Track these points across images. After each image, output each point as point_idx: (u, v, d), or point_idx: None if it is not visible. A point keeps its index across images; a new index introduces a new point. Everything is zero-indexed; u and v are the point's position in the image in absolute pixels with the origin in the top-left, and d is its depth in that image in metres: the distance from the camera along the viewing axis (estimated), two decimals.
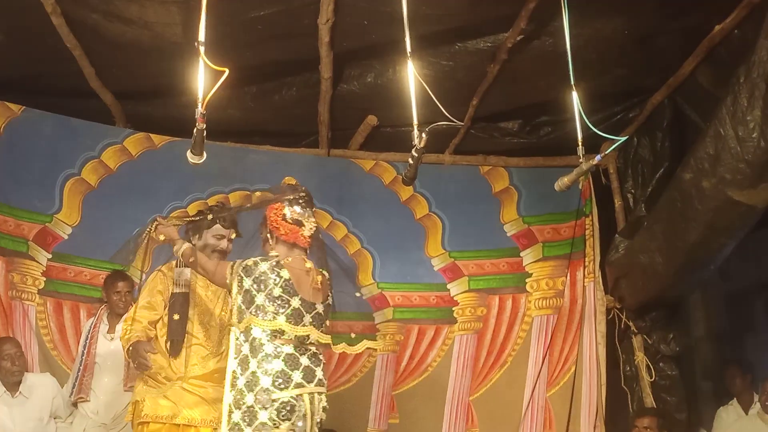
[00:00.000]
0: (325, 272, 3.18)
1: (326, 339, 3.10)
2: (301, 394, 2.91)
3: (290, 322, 2.96)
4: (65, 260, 4.74)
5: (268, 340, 2.92)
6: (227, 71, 2.28)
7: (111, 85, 4.60)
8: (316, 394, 2.96)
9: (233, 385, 2.90)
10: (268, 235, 3.14)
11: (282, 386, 2.88)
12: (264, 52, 4.21)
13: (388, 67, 4.50)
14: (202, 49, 2.33)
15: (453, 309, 5.21)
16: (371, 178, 5.28)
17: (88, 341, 4.36)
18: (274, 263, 3.01)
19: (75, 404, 4.30)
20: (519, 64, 4.32)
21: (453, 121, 2.66)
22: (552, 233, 5.28)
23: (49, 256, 4.71)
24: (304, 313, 3.00)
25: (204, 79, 2.42)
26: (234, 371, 2.92)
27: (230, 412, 2.88)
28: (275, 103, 4.79)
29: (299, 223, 3.10)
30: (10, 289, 4.61)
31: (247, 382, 2.88)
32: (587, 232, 5.27)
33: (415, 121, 2.69)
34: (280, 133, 5.25)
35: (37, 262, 4.67)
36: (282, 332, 2.94)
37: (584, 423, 5.01)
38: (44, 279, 4.70)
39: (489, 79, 4.47)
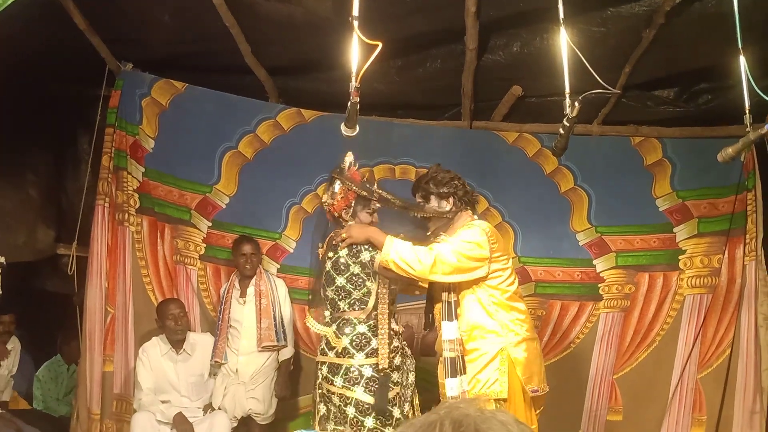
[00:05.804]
0: None
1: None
2: None
3: None
4: (223, 228, 4.99)
5: None
6: (380, 45, 2.30)
7: (265, 61, 4.76)
8: None
9: None
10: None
11: None
12: (410, 25, 4.22)
13: (535, 35, 4.37)
14: (355, 23, 2.35)
15: (599, 285, 5.05)
16: (514, 150, 5.17)
17: (222, 307, 4.58)
18: None
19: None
20: (677, 28, 4.06)
21: (608, 89, 2.55)
22: (709, 208, 4.98)
23: (209, 223, 4.98)
24: None
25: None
26: None
27: None
28: (419, 76, 4.79)
29: None
30: (175, 254, 4.94)
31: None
32: (749, 207, 4.91)
33: (567, 90, 2.61)
34: (423, 105, 5.27)
35: (199, 229, 4.95)
36: None
37: (738, 407, 4.75)
38: (204, 245, 4.98)
39: (644, 45, 4.24)
